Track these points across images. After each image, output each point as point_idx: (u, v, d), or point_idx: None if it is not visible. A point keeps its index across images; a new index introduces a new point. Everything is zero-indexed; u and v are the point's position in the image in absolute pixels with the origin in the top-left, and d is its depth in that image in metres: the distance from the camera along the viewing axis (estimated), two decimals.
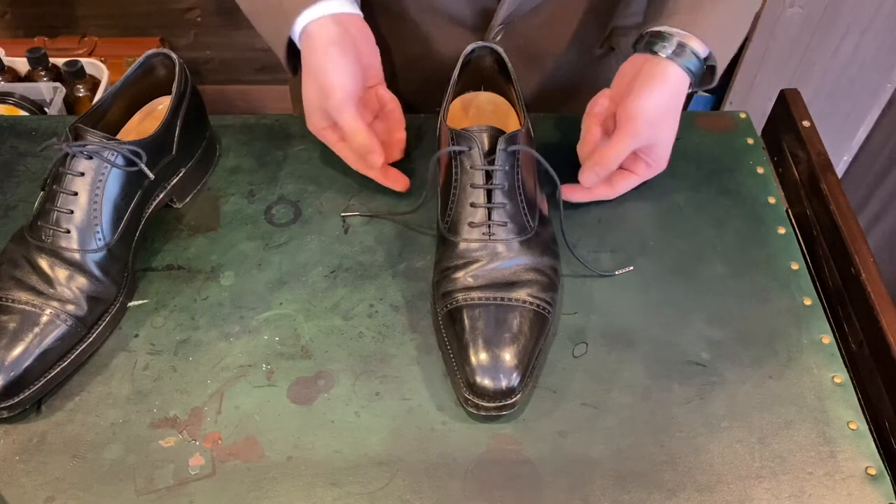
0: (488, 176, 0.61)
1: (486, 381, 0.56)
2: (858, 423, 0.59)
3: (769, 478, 0.56)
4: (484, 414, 0.57)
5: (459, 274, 0.61)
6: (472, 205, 0.62)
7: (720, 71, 0.69)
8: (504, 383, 0.56)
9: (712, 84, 0.70)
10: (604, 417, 0.59)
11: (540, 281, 0.61)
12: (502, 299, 0.59)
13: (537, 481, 0.56)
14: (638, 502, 0.55)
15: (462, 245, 0.61)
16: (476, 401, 0.57)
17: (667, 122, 0.66)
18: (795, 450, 0.57)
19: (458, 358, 0.58)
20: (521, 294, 0.60)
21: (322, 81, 0.65)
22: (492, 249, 0.61)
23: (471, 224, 0.61)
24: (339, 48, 0.64)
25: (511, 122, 0.70)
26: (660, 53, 0.65)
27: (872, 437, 0.58)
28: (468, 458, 0.57)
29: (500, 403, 0.57)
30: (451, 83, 0.68)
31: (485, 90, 0.72)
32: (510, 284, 0.60)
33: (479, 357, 0.57)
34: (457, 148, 0.62)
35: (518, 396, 0.57)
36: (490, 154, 0.61)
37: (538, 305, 0.60)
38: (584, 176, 0.67)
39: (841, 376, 0.61)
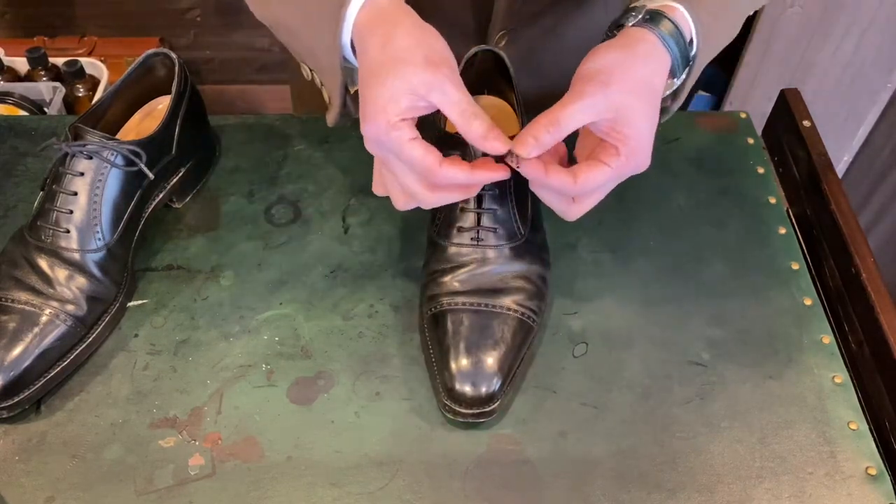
0: None
1: (465, 388, 0.56)
2: (858, 423, 0.59)
3: (769, 478, 0.56)
4: (461, 420, 0.57)
5: (446, 278, 0.60)
6: (462, 209, 0.61)
7: (698, 67, 0.56)
8: (483, 390, 0.56)
9: (682, 90, 0.57)
10: (604, 417, 0.59)
11: (527, 289, 0.61)
12: (487, 305, 0.59)
13: (537, 481, 0.55)
14: (638, 502, 0.55)
15: (451, 249, 0.61)
16: (454, 406, 0.56)
17: (634, 91, 0.51)
18: (795, 450, 0.57)
19: (438, 363, 0.58)
20: (507, 301, 0.60)
21: (427, 44, 0.51)
22: (481, 255, 0.61)
23: (460, 229, 0.61)
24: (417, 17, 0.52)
25: (511, 124, 0.70)
26: (626, 24, 0.54)
27: (872, 437, 0.58)
28: (468, 458, 0.57)
29: (479, 410, 0.56)
30: None
31: (488, 94, 0.72)
32: (496, 291, 0.60)
33: (459, 363, 0.57)
34: (449, 152, 0.61)
35: (497, 404, 0.57)
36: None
37: (523, 314, 0.60)
38: (521, 137, 0.51)
39: (841, 376, 0.61)
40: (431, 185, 0.53)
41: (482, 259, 0.61)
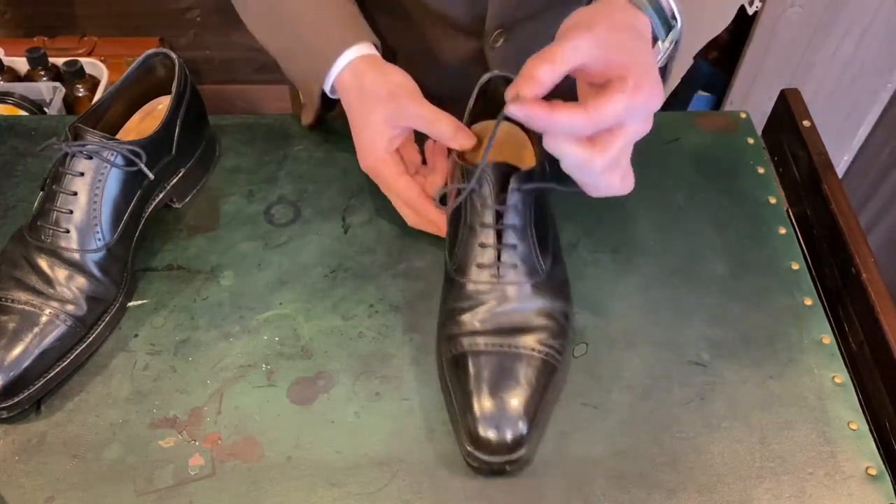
0: (499, 215, 0.58)
1: (489, 433, 0.53)
2: (859, 424, 0.59)
3: (769, 478, 0.56)
4: (487, 469, 0.54)
5: (466, 317, 0.58)
6: (482, 245, 0.58)
7: (687, 48, 0.56)
8: (509, 435, 0.53)
9: (668, 71, 0.57)
10: (604, 417, 0.59)
11: (549, 327, 0.58)
12: (509, 346, 0.56)
13: (537, 481, 0.55)
14: (638, 502, 0.55)
15: (470, 287, 0.58)
16: (478, 454, 0.53)
17: (619, 28, 0.51)
18: (796, 450, 0.57)
19: (461, 407, 0.55)
20: (530, 341, 0.57)
21: (387, 80, 0.64)
22: (501, 292, 0.58)
23: (479, 265, 0.58)
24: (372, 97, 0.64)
25: (526, 153, 0.68)
26: None
27: (873, 437, 0.58)
28: None
29: (505, 458, 0.53)
30: (466, 113, 0.66)
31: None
32: (518, 330, 0.57)
33: (482, 406, 0.54)
34: (464, 186, 0.59)
35: (524, 450, 0.54)
36: (502, 192, 0.58)
37: (547, 353, 0.57)
38: (518, 80, 0.48)
39: (841, 376, 0.61)
40: (414, 210, 0.66)
41: (502, 297, 0.58)
